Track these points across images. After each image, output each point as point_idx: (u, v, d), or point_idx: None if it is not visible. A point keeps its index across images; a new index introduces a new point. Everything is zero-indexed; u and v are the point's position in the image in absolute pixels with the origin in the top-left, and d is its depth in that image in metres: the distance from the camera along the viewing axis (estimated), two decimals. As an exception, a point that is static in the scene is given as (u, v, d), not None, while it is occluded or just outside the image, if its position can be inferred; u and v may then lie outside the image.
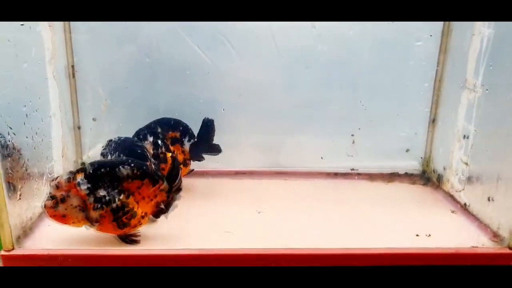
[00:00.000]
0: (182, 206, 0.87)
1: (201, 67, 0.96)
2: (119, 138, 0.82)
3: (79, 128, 0.99)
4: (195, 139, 0.91)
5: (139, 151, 0.80)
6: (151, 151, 0.87)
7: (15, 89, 0.73)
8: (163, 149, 0.88)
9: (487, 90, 0.81)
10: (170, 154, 0.86)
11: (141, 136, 0.88)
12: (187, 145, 0.91)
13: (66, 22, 0.92)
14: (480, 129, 0.83)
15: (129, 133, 0.89)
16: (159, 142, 0.88)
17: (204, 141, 0.92)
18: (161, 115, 0.93)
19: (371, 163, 1.04)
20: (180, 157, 0.90)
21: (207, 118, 0.91)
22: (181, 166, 0.90)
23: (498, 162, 0.76)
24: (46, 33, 0.84)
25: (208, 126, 0.91)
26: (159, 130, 0.89)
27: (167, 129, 0.90)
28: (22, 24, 0.74)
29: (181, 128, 0.91)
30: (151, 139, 0.88)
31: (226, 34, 0.94)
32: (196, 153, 0.92)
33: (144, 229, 0.76)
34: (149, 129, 0.90)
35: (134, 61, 0.95)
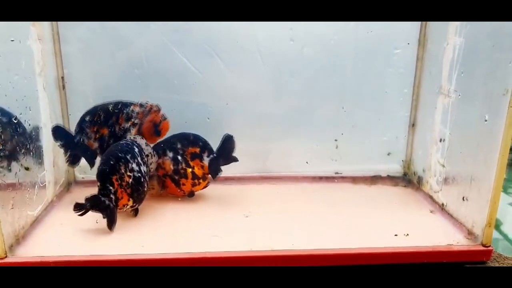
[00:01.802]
0: (172, 211, 0.91)
1: (189, 77, 0.99)
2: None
3: (69, 137, 1.01)
4: (214, 155, 0.92)
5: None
6: (171, 167, 0.91)
7: (6, 101, 0.75)
8: (184, 165, 0.91)
9: (459, 95, 0.85)
10: (190, 170, 0.91)
11: (160, 152, 0.91)
12: (206, 160, 0.91)
13: (56, 34, 0.94)
14: (454, 132, 0.87)
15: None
16: (179, 157, 0.91)
17: (224, 157, 0.92)
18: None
19: (354, 166, 1.08)
20: (200, 172, 0.92)
21: (228, 135, 0.92)
22: (200, 180, 0.93)
23: (471, 164, 0.80)
24: (36, 45, 0.87)
25: (228, 142, 0.92)
26: (179, 145, 0.91)
27: (187, 144, 0.91)
28: (12, 40, 0.77)
29: (200, 143, 0.92)
30: (170, 154, 0.91)
31: (213, 45, 0.97)
32: (215, 169, 0.92)
33: (134, 232, 0.78)
34: (168, 144, 0.92)
35: (123, 72, 0.98)
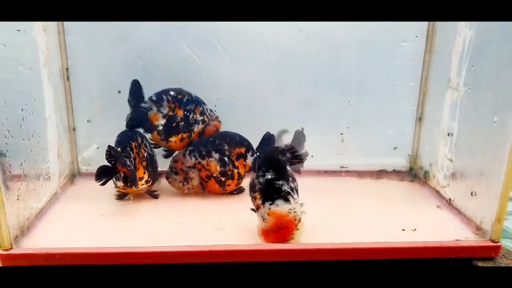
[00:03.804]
0: (177, 205, 0.90)
1: (193, 69, 0.98)
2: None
3: (74, 129, 1.01)
4: (257, 153, 0.93)
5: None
6: (218, 168, 0.90)
7: (12, 92, 0.75)
8: (231, 166, 0.90)
9: (469, 89, 0.84)
10: (236, 170, 0.91)
11: (203, 153, 0.90)
12: (250, 160, 0.92)
13: (60, 25, 0.93)
14: (463, 126, 0.86)
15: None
16: (226, 159, 0.90)
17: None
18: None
19: (360, 160, 1.07)
20: (242, 171, 0.92)
21: (268, 133, 0.92)
22: (243, 179, 0.93)
23: (480, 158, 0.79)
24: (41, 36, 0.86)
25: (269, 141, 0.91)
26: (226, 147, 0.90)
27: (234, 145, 0.91)
28: (18, 30, 0.76)
29: (245, 143, 0.92)
30: (216, 156, 0.90)
31: (218, 37, 0.96)
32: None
33: (144, 228, 0.78)
34: (212, 145, 0.90)
35: (128, 64, 0.97)
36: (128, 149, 0.82)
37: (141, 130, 0.91)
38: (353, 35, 0.99)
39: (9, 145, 0.72)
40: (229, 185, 0.92)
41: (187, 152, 0.91)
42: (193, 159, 0.90)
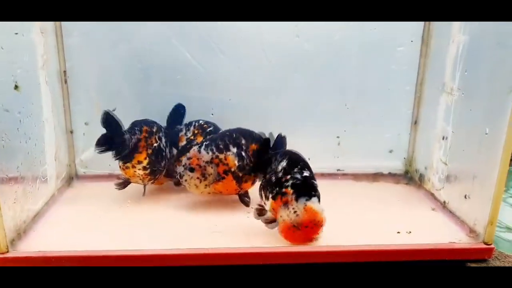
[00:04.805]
0: (175, 208, 0.90)
1: (192, 72, 0.98)
2: None
3: (71, 132, 1.01)
4: (270, 152, 0.87)
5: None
6: (236, 163, 0.86)
7: (9, 94, 0.75)
8: (248, 161, 0.87)
9: (463, 94, 0.85)
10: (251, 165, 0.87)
11: (221, 146, 0.86)
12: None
13: (58, 27, 0.93)
14: (457, 130, 0.87)
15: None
16: (243, 154, 0.86)
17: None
18: (154, 118, 0.95)
19: (356, 163, 1.07)
20: None
21: (280, 134, 0.89)
22: (257, 178, 0.88)
23: (474, 162, 0.80)
24: (39, 39, 0.86)
25: (281, 142, 0.89)
26: (243, 141, 0.87)
27: (251, 140, 0.88)
28: (16, 33, 0.76)
29: (261, 140, 0.89)
30: (234, 150, 0.86)
31: (216, 40, 0.97)
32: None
33: (142, 230, 0.79)
34: (231, 139, 0.87)
35: (126, 66, 0.98)
36: (137, 128, 0.87)
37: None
38: (350, 39, 0.99)
39: (6, 147, 0.72)
40: (246, 181, 0.87)
41: (202, 147, 0.86)
42: (210, 153, 0.85)
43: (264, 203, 0.78)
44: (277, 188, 0.75)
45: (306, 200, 0.72)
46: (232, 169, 0.86)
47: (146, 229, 0.81)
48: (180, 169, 0.87)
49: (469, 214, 0.81)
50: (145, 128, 0.88)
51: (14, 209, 0.74)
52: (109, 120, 0.83)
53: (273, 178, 0.77)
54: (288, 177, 0.75)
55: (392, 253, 0.74)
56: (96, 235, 0.78)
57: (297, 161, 0.77)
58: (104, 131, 0.83)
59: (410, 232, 0.80)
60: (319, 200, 0.74)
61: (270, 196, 0.76)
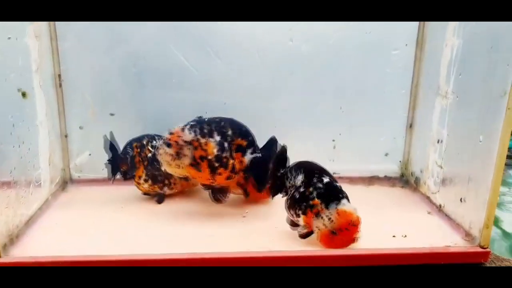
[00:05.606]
0: (172, 212, 0.90)
1: (187, 75, 0.98)
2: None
3: (66, 136, 1.01)
4: (258, 154, 0.85)
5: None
6: (214, 152, 0.79)
7: (2, 99, 0.75)
8: (228, 154, 0.80)
9: (457, 97, 0.85)
10: (232, 161, 0.81)
11: (205, 131, 0.79)
12: (248, 157, 0.83)
13: (53, 31, 0.93)
14: (452, 133, 0.87)
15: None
16: (225, 144, 0.80)
17: (266, 161, 0.84)
18: (149, 122, 0.95)
19: (351, 167, 1.07)
20: (237, 167, 0.82)
21: (274, 137, 0.87)
22: (235, 176, 0.83)
23: (469, 165, 0.80)
24: (33, 42, 0.86)
25: (271, 144, 0.87)
26: (230, 132, 0.81)
27: (238, 134, 0.82)
28: (9, 38, 0.76)
29: (250, 138, 0.84)
30: (217, 138, 0.79)
31: (211, 43, 0.97)
32: (262, 174, 0.84)
33: (133, 235, 0.78)
34: (218, 126, 0.80)
35: (121, 70, 0.98)
36: (128, 147, 0.93)
37: None
38: (345, 43, 1.00)
39: (-1, 152, 0.71)
40: (220, 173, 0.81)
41: (188, 126, 0.79)
42: (193, 134, 0.79)
43: (297, 221, 0.78)
44: (304, 203, 0.75)
45: (336, 204, 0.72)
46: (209, 157, 0.79)
47: (141, 234, 0.80)
48: (159, 142, 0.81)
49: (464, 218, 0.80)
50: (135, 144, 0.93)
51: (7, 214, 0.73)
52: (111, 145, 0.93)
53: (296, 194, 0.77)
54: (311, 189, 0.75)
55: (387, 257, 0.73)
56: (90, 240, 0.78)
57: (312, 170, 0.77)
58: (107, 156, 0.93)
59: (405, 236, 0.80)
60: (348, 200, 0.74)
61: (300, 212, 0.76)
